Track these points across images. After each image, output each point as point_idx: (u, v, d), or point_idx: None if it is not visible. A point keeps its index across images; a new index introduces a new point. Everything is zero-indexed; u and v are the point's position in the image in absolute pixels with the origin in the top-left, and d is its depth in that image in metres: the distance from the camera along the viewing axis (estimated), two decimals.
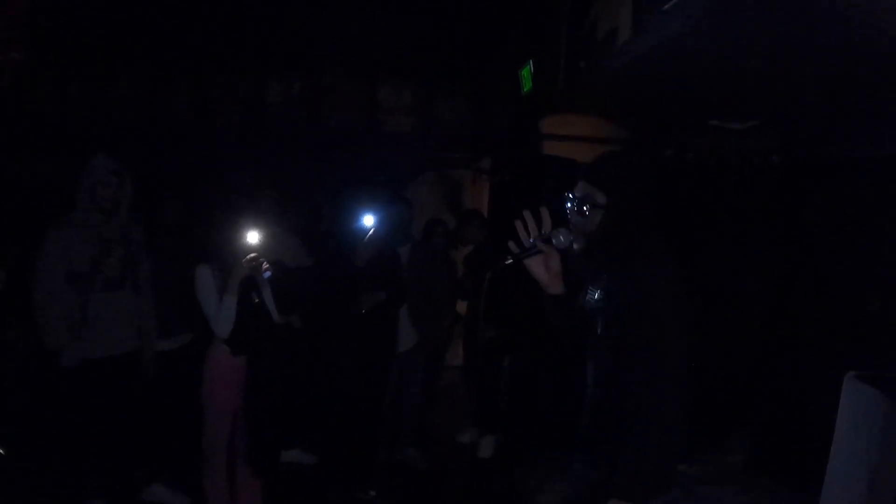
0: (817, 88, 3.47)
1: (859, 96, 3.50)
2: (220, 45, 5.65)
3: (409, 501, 4.77)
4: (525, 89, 5.29)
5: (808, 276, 4.38)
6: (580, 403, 2.67)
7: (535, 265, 2.29)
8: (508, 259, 2.27)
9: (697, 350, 2.29)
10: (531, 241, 2.25)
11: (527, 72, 5.23)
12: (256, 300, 3.63)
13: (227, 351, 3.54)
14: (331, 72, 6.23)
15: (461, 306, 5.94)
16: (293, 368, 4.42)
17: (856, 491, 3.00)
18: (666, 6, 3.00)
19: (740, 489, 3.92)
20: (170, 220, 4.58)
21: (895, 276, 3.81)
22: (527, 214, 2.25)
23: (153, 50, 5.71)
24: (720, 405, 4.30)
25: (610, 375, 2.35)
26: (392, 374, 4.90)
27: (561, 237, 2.24)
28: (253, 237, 3.50)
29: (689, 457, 4.05)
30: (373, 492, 4.54)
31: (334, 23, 5.31)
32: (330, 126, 6.23)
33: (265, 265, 3.60)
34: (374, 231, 4.32)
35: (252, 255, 3.49)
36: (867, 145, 3.97)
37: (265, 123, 6.13)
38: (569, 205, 2.30)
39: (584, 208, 2.24)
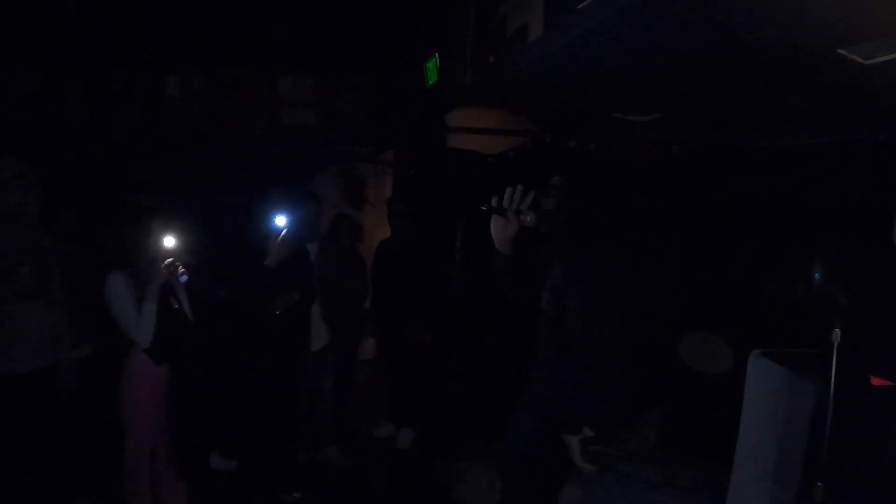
0: (717, 84, 3.66)
1: (753, 93, 3.73)
2: (116, 38, 5.37)
3: (335, 500, 4.74)
4: (430, 82, 5.29)
5: (709, 261, 4.63)
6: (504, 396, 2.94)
7: (496, 223, 2.81)
8: (483, 207, 2.78)
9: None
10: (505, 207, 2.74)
11: (432, 65, 5.23)
12: (176, 306, 3.51)
13: (147, 360, 3.39)
14: (231, 66, 6.04)
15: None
16: (210, 373, 4.31)
17: (765, 460, 3.22)
18: (581, 5, 3.09)
19: (656, 465, 4.13)
20: (66, 225, 4.35)
21: (788, 261, 4.10)
22: (518, 188, 2.74)
23: (42, 43, 5.36)
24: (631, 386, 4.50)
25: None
26: (307, 374, 4.85)
27: (528, 218, 2.73)
28: (170, 241, 3.38)
29: (605, 439, 4.22)
30: (297, 493, 4.49)
31: (233, 15, 5.15)
32: (231, 121, 6.04)
33: (181, 269, 3.49)
34: (287, 230, 4.24)
35: (170, 259, 3.37)
36: (760, 137, 4.23)
37: (164, 120, 5.88)
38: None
39: (548, 190, 2.78)
